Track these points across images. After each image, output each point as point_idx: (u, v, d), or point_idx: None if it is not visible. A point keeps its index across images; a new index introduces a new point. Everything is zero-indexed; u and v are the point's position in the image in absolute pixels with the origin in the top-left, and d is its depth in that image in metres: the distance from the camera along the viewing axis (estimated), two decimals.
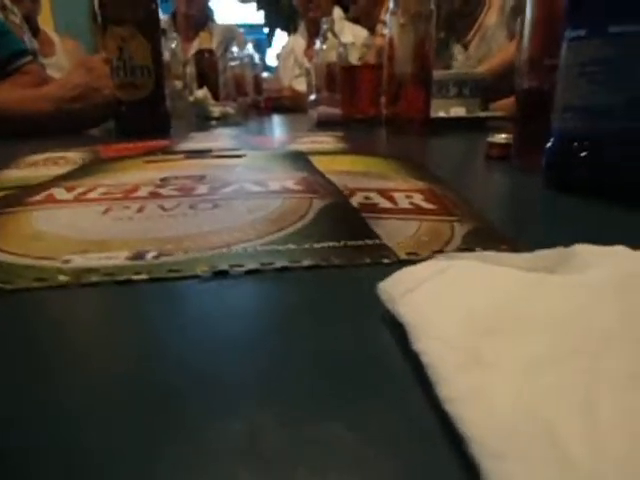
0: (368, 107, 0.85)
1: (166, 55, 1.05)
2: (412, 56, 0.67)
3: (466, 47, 1.18)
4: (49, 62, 1.54)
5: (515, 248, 0.20)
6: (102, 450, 0.10)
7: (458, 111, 0.77)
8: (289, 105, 1.49)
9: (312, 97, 1.10)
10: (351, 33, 1.65)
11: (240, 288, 0.18)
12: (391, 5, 0.68)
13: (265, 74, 1.57)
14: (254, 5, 3.06)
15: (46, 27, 1.87)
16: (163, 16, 1.43)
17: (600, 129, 0.29)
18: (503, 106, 0.86)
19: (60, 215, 0.26)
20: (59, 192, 0.31)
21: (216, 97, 1.19)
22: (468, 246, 0.20)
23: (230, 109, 1.05)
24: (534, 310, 0.12)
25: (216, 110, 1.02)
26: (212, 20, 1.85)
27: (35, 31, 1.66)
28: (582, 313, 0.12)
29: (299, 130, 0.87)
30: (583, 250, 0.15)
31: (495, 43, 1.12)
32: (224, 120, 1.01)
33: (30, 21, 1.59)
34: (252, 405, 0.11)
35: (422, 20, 0.66)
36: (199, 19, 1.76)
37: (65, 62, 1.65)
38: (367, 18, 1.52)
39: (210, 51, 1.35)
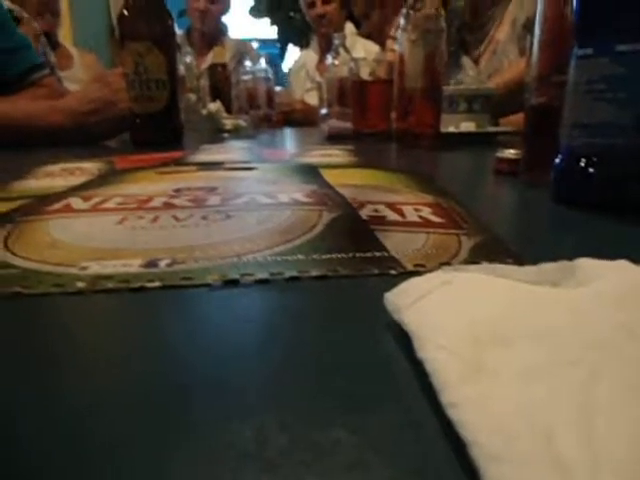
0: (379, 121, 0.86)
1: (181, 69, 1.07)
2: (422, 72, 0.68)
3: (476, 61, 1.18)
4: (66, 74, 1.58)
5: (521, 262, 0.20)
6: (111, 452, 0.10)
7: (468, 126, 0.77)
8: (300, 118, 1.51)
9: (323, 111, 1.11)
10: (363, 48, 1.67)
11: (250, 297, 0.18)
12: (401, 21, 0.69)
13: (278, 88, 1.59)
14: (267, 20, 3.12)
15: (65, 41, 1.92)
16: (178, 31, 1.46)
17: (608, 146, 0.29)
18: (513, 121, 0.86)
19: (77, 224, 0.27)
20: (76, 202, 0.32)
21: (229, 110, 1.21)
22: (474, 259, 0.21)
23: (242, 122, 1.06)
24: (536, 321, 0.13)
25: (228, 123, 1.04)
26: (226, 35, 1.89)
27: (55, 45, 1.70)
28: (583, 325, 0.12)
29: (310, 143, 0.88)
30: (586, 264, 0.15)
31: (506, 58, 1.12)
32: (236, 133, 1.02)
33: (50, 35, 1.63)
34: (259, 410, 0.11)
35: (432, 36, 0.67)
36: (213, 34, 1.80)
37: (82, 75, 1.68)
38: (379, 35, 1.54)
39: (223, 65, 1.38)
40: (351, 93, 0.94)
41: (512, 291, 0.14)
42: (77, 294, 0.18)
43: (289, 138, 1.07)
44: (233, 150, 0.71)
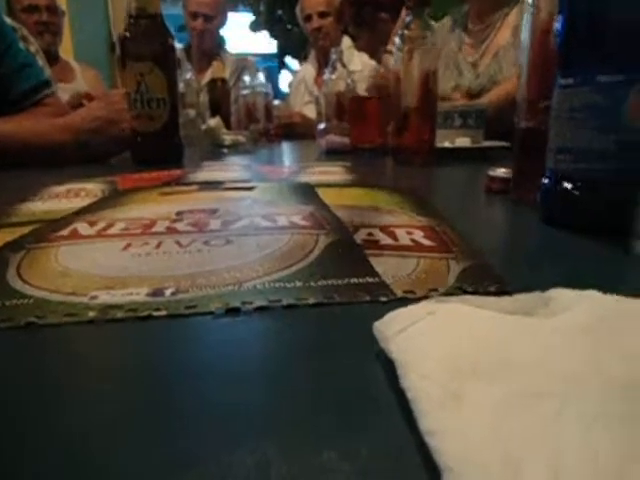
0: (375, 136, 0.88)
1: (180, 86, 1.09)
2: (417, 89, 0.70)
3: (475, 65, 1.20)
4: (68, 87, 1.60)
5: (505, 287, 0.21)
6: (112, 476, 0.11)
7: (463, 141, 0.79)
8: (299, 131, 1.53)
9: (321, 126, 1.13)
10: (360, 61, 1.70)
11: (250, 324, 0.19)
12: (397, 40, 0.71)
13: (276, 102, 1.61)
14: (266, 34, 3.16)
15: (67, 56, 1.95)
16: (178, 45, 1.48)
17: (591, 170, 0.30)
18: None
19: (84, 251, 0.28)
20: (82, 227, 0.34)
21: (228, 125, 1.23)
22: (461, 285, 0.22)
23: (241, 137, 1.08)
24: (510, 352, 0.14)
25: (227, 138, 1.05)
26: (224, 49, 1.91)
27: (55, 60, 1.73)
28: (554, 355, 0.14)
29: (308, 158, 0.89)
30: (558, 294, 0.16)
31: (506, 63, 1.13)
32: (235, 148, 1.04)
33: (50, 52, 1.66)
34: (256, 436, 0.12)
35: (427, 55, 0.69)
36: (212, 50, 1.83)
37: (84, 88, 1.71)
38: (372, 55, 1.57)
39: (223, 80, 1.40)
40: (348, 109, 0.95)
41: (490, 322, 0.15)
42: (88, 323, 0.19)
43: (287, 153, 1.08)
44: (232, 167, 0.73)
